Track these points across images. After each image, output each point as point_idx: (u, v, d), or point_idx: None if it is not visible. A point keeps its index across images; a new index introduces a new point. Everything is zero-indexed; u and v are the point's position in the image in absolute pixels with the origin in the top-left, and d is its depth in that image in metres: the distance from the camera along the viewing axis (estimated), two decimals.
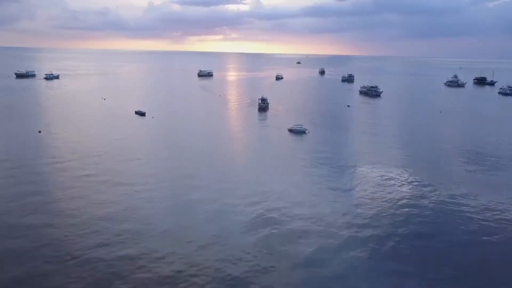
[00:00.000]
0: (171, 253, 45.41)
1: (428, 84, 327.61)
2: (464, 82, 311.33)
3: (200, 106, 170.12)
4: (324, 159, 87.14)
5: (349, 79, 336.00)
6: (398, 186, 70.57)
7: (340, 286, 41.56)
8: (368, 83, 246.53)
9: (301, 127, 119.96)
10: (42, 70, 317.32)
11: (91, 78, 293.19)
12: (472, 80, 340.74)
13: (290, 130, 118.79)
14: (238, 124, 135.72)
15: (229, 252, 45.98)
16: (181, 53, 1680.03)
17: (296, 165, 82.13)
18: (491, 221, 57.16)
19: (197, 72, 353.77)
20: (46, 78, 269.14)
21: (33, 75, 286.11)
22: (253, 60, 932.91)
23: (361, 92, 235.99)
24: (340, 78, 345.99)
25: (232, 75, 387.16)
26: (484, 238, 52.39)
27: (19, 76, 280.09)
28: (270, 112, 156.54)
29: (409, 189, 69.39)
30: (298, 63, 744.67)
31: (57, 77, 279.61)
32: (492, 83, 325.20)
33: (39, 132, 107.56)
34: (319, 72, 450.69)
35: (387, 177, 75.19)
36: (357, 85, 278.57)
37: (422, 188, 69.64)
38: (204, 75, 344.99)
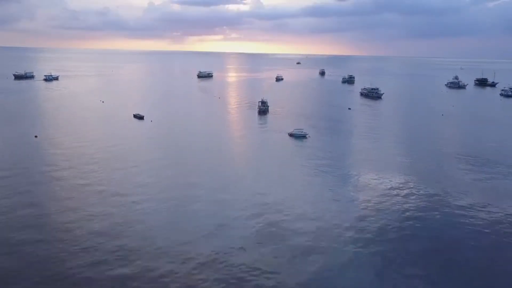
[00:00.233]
0: (168, 272, 43.38)
1: (428, 85, 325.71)
2: (465, 84, 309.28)
3: (200, 109, 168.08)
4: (326, 166, 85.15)
5: (349, 80, 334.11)
6: (403, 196, 68.48)
7: None
8: (369, 85, 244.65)
9: (302, 132, 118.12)
10: (41, 71, 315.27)
11: (90, 79, 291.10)
12: (473, 81, 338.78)
13: (291, 135, 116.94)
14: (238, 128, 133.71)
15: (229, 271, 43.97)
16: (181, 53, 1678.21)
17: (297, 173, 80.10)
18: (501, 235, 55.16)
19: (196, 73, 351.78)
20: (46, 79, 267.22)
21: (31, 76, 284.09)
22: (253, 60, 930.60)
23: (361, 94, 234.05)
24: (341, 79, 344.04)
25: (232, 76, 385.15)
26: (494, 254, 50.42)
27: (18, 77, 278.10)
28: (270, 115, 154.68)
29: (414, 199, 67.26)
30: (298, 63, 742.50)
31: (56, 78, 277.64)
32: (493, 85, 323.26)
33: (35, 137, 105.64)
34: (319, 73, 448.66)
35: (391, 186, 73.16)
36: (358, 86, 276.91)
37: (428, 199, 67.53)
38: (204, 76, 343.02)
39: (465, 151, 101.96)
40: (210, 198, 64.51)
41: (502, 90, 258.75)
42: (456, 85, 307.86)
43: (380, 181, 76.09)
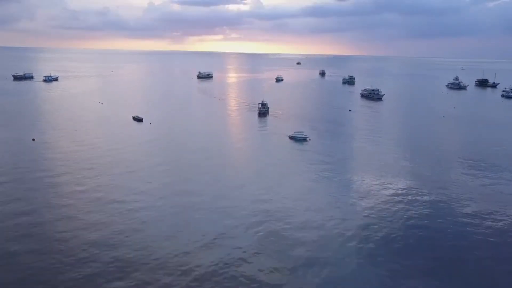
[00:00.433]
0: (166, 286, 42.04)
1: (429, 86, 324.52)
2: (466, 84, 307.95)
3: (199, 111, 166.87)
4: (327, 171, 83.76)
5: (350, 81, 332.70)
6: (406, 202, 67.07)
7: None
8: (369, 86, 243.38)
9: (302, 135, 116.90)
10: (41, 71, 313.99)
11: (90, 80, 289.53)
12: (474, 82, 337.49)
13: (291, 138, 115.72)
14: (238, 131, 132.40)
15: (229, 284, 42.70)
16: (181, 53, 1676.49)
17: (298, 179, 78.71)
18: (508, 244, 53.88)
19: (196, 73, 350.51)
20: (45, 80, 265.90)
21: (30, 77, 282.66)
22: (253, 60, 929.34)
23: (362, 95, 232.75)
24: (341, 80, 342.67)
25: (231, 77, 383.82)
26: (502, 264, 49.17)
27: (17, 78, 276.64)
28: (270, 117, 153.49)
29: (417, 205, 65.83)
30: (298, 63, 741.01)
31: (56, 79, 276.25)
32: (494, 85, 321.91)
33: (33, 140, 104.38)
34: (320, 73, 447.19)
35: (393, 192, 71.79)
36: (358, 87, 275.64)
37: (431, 206, 66.11)
38: (204, 76, 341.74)
39: (467, 155, 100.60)
40: (209, 206, 63.12)
41: (503, 91, 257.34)
42: (456, 86, 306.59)
43: (382, 186, 74.79)
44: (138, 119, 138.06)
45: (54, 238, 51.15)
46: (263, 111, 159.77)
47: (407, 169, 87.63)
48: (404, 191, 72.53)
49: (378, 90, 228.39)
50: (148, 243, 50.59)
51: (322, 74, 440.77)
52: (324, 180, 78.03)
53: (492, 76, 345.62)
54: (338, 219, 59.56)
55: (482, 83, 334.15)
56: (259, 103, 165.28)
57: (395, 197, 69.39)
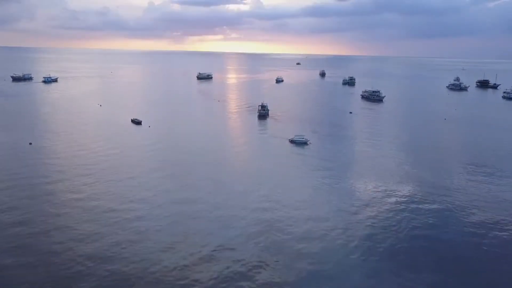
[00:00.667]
0: None
1: (430, 87, 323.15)
2: (467, 86, 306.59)
3: (199, 113, 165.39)
4: (328, 177, 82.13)
5: (350, 82, 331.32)
6: (410, 211, 65.42)
7: None
8: (370, 87, 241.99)
9: (302, 138, 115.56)
10: (40, 72, 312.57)
11: (89, 81, 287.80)
12: (475, 83, 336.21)
13: (292, 141, 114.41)
14: (237, 135, 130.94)
15: None
16: (181, 53, 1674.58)
17: (299, 186, 77.08)
18: None
19: (196, 74, 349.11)
20: (44, 82, 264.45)
21: (29, 78, 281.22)
22: (253, 60, 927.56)
23: (363, 97, 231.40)
24: (341, 81, 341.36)
25: (231, 78, 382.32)
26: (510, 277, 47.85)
27: (15, 79, 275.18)
28: (270, 119, 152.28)
29: (422, 214, 64.19)
30: (298, 64, 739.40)
31: (55, 80, 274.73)
32: (495, 86, 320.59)
33: (30, 144, 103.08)
34: (320, 74, 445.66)
35: (397, 200, 70.17)
36: (359, 88, 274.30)
37: (436, 214, 64.44)
38: (204, 77, 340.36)
39: (471, 159, 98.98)
40: (208, 215, 61.60)
41: (505, 92, 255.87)
42: (457, 87, 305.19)
43: (385, 193, 73.29)
44: (137, 122, 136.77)
45: (48, 250, 49.65)
46: (263, 114, 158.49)
47: (410, 174, 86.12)
48: (407, 199, 71.02)
49: (379, 91, 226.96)
50: (145, 255, 49.12)
51: (322, 74, 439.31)
52: (325, 187, 76.54)
53: (493, 77, 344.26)
54: (340, 229, 58.12)
55: (483, 84, 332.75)
56: (259, 105, 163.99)
57: (398, 205, 67.89)
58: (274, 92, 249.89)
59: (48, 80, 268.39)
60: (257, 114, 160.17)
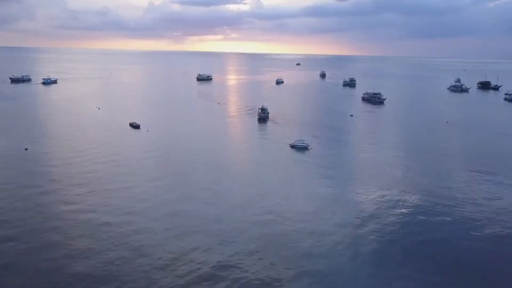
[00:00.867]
0: None
1: (430, 89, 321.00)
2: (468, 87, 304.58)
3: (198, 116, 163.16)
4: (331, 187, 79.51)
5: (350, 83, 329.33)
6: (416, 224, 62.90)
7: None
8: (370, 89, 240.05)
9: (303, 143, 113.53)
10: (40, 73, 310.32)
11: (89, 83, 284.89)
12: (476, 84, 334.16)
13: (292, 146, 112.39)
14: (237, 140, 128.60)
15: None
16: (181, 53, 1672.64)
17: (301, 196, 74.42)
18: None
19: (196, 75, 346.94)
20: (44, 83, 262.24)
21: (28, 80, 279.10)
22: (253, 61, 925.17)
23: (363, 99, 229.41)
24: (341, 82, 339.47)
25: (231, 79, 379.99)
26: None
27: (14, 80, 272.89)
28: (270, 122, 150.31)
29: (430, 227, 61.74)
30: (298, 64, 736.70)
31: (55, 81, 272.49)
32: (496, 88, 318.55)
33: (26, 149, 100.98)
34: (320, 75, 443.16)
35: (402, 211, 67.70)
36: (359, 89, 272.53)
37: (445, 228, 61.93)
38: (203, 79, 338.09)
39: (476, 166, 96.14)
40: (207, 228, 58.92)
41: (506, 94, 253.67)
42: (458, 88, 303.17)
43: (391, 204, 70.84)
44: (135, 126, 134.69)
45: (38, 268, 47.21)
46: (263, 117, 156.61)
47: (415, 182, 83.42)
48: (413, 209, 68.47)
49: (380, 93, 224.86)
50: (140, 274, 46.78)
51: (323, 75, 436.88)
52: (328, 197, 73.99)
53: (494, 78, 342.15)
54: (345, 243, 55.77)
55: (484, 86, 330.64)
56: (259, 108, 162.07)
57: (404, 217, 65.43)
58: (274, 94, 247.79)
59: (48, 82, 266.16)
60: (257, 117, 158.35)
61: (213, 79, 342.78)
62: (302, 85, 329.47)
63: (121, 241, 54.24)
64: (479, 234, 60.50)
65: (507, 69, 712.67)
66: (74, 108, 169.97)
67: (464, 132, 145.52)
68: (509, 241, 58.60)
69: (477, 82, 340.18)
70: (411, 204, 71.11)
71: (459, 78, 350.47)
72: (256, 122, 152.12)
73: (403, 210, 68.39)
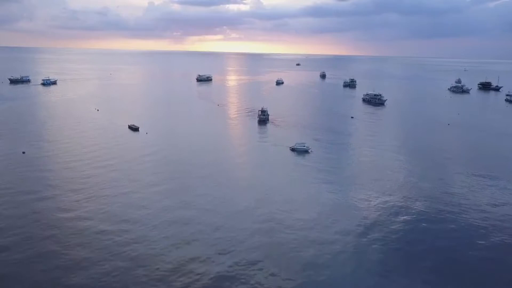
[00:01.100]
0: None
1: (431, 89, 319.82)
2: (469, 88, 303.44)
3: (198, 119, 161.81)
4: (333, 193, 78.01)
5: (351, 84, 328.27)
6: (420, 231, 61.70)
7: None
8: (371, 90, 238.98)
9: (304, 146, 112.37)
10: (39, 74, 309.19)
11: (88, 84, 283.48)
12: (477, 85, 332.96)
13: (293, 149, 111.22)
14: (237, 143, 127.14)
15: None
16: (181, 53, 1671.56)
17: (302, 202, 72.85)
18: None
19: (196, 76, 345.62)
20: (43, 84, 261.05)
21: (27, 81, 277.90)
22: (252, 61, 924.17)
23: (364, 100, 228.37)
24: (342, 83, 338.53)
25: (231, 80, 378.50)
26: None
27: (13, 81, 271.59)
28: (270, 124, 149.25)
29: (434, 236, 60.54)
30: (298, 64, 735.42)
31: (54, 82, 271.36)
32: (497, 89, 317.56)
33: (23, 153, 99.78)
34: (320, 75, 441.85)
35: (405, 219, 66.30)
36: (359, 90, 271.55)
37: (452, 235, 60.79)
38: (203, 79, 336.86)
39: (478, 170, 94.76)
40: (206, 238, 57.56)
41: (507, 95, 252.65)
42: (459, 89, 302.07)
43: (393, 210, 69.50)
44: (134, 128, 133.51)
45: (32, 280, 45.90)
46: (263, 119, 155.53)
47: (418, 187, 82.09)
48: (416, 216, 67.15)
49: (380, 95, 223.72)
50: (136, 286, 45.57)
51: (323, 76, 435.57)
52: (330, 203, 72.59)
53: (494, 79, 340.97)
54: (348, 253, 54.51)
55: (485, 86, 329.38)
56: (259, 110, 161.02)
57: (407, 225, 64.07)
58: (274, 95, 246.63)
59: (47, 83, 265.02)
60: (257, 119, 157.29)
61: (213, 80, 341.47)
62: (302, 85, 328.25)
63: (118, 251, 52.97)
64: (484, 242, 59.27)
65: (508, 69, 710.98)
66: (73, 110, 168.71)
67: (465, 134, 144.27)
68: None
69: (478, 83, 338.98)
70: (414, 211, 69.81)
71: (459, 79, 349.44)
72: (256, 124, 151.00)
73: (406, 217, 67.08)
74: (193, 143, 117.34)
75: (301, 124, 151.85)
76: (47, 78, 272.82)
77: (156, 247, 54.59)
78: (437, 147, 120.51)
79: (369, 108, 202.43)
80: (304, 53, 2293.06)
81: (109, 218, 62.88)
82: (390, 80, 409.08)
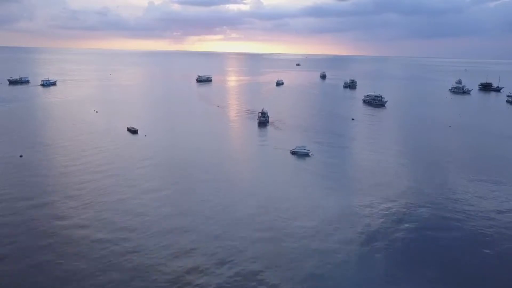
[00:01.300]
0: None
1: (432, 90, 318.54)
2: (469, 89, 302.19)
3: (198, 121, 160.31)
4: (335, 199, 76.51)
5: (351, 85, 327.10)
6: (424, 240, 60.32)
7: None
8: (371, 91, 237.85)
9: (304, 149, 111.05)
10: (39, 74, 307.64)
11: (88, 85, 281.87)
12: (478, 86, 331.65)
13: (293, 153, 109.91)
14: (237, 146, 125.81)
15: None
16: (181, 53, 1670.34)
17: (304, 209, 71.43)
18: None
19: (195, 77, 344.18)
20: (43, 85, 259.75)
21: (27, 81, 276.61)
22: (252, 61, 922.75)
23: (364, 101, 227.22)
24: (342, 83, 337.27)
25: (231, 80, 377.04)
26: None
27: (12, 82, 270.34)
28: (270, 126, 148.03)
29: (437, 242, 59.32)
30: (298, 64, 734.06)
31: (54, 83, 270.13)
32: (498, 89, 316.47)
33: (20, 156, 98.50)
34: (320, 76, 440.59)
35: (408, 226, 64.91)
36: (360, 91, 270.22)
37: (455, 242, 59.52)
38: (203, 80, 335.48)
39: (481, 174, 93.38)
40: (205, 247, 56.09)
41: (508, 96, 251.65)
42: (460, 90, 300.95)
43: (397, 217, 68.01)
44: (133, 131, 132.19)
45: None
46: (263, 121, 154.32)
47: (422, 193, 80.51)
48: (420, 224, 65.74)
49: (381, 96, 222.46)
50: None
51: (323, 77, 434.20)
52: (332, 210, 71.08)
53: (495, 79, 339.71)
54: (351, 263, 53.11)
55: (486, 87, 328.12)
56: (259, 112, 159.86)
57: (411, 233, 62.62)
58: (275, 96, 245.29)
59: (47, 84, 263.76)
60: (257, 121, 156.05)
61: (212, 81, 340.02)
62: (302, 86, 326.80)
63: (115, 261, 51.56)
64: (489, 251, 57.93)
65: (509, 70, 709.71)
66: (72, 112, 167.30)
67: (467, 137, 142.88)
68: None
69: (479, 83, 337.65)
70: (418, 218, 68.39)
71: (460, 80, 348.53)
72: (256, 126, 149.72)
73: (409, 225, 65.65)
74: (193, 146, 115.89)
75: (301, 126, 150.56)
76: (47, 79, 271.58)
77: (153, 256, 53.20)
78: (439, 151, 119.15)
79: (370, 110, 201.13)
80: (304, 53, 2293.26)
81: (106, 226, 61.44)
82: (390, 81, 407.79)
